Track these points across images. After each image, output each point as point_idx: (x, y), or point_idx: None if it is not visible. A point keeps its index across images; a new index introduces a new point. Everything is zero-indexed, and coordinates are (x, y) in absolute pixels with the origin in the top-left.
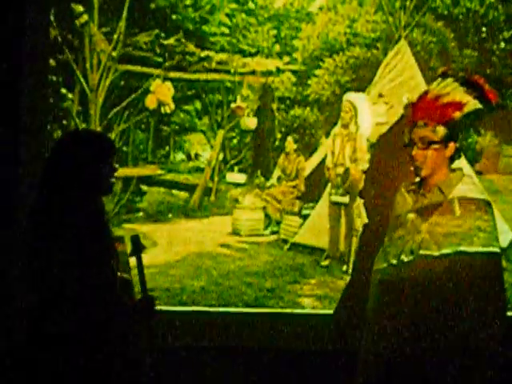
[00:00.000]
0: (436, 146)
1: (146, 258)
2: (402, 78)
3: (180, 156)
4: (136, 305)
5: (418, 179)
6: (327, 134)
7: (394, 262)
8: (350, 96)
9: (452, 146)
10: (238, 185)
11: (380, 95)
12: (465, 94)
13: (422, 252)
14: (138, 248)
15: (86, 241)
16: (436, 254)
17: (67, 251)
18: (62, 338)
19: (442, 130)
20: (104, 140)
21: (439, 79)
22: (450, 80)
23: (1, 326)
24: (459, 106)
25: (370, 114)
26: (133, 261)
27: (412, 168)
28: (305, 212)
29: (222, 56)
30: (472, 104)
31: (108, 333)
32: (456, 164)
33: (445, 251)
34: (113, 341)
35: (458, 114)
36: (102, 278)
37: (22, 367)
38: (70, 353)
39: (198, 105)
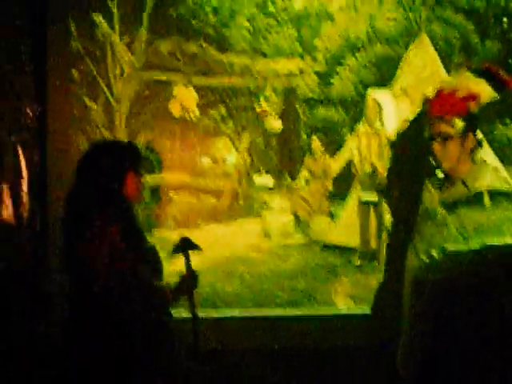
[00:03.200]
0: (455, 140)
1: (177, 265)
2: (424, 72)
3: (207, 161)
4: (181, 278)
5: (441, 174)
6: (352, 132)
7: (425, 258)
8: (374, 93)
9: (471, 137)
10: (265, 187)
11: (403, 90)
12: (479, 84)
13: (450, 247)
14: (187, 246)
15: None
16: (465, 248)
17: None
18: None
19: (459, 123)
20: (130, 148)
21: (454, 72)
22: (465, 72)
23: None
24: (474, 97)
25: (394, 111)
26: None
27: (434, 163)
28: (334, 211)
29: (244, 59)
30: (487, 94)
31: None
32: (479, 156)
33: (473, 245)
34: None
35: (473, 106)
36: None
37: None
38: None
39: (223, 109)
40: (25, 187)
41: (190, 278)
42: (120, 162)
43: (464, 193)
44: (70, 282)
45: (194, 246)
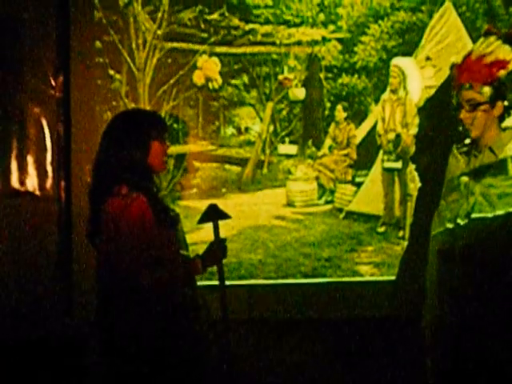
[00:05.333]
0: (483, 107)
1: (202, 233)
2: (448, 39)
3: (230, 130)
4: (210, 247)
5: (469, 140)
6: (376, 101)
7: (450, 226)
8: (398, 61)
9: (500, 105)
10: (289, 156)
11: (427, 58)
12: (508, 51)
13: (475, 215)
14: (215, 214)
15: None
16: (490, 215)
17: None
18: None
19: (488, 91)
20: (155, 117)
21: (482, 38)
22: (492, 38)
23: None
24: (503, 64)
25: (418, 78)
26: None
27: (462, 130)
28: (358, 180)
29: (267, 28)
30: None
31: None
32: (507, 123)
33: (499, 212)
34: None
35: (502, 73)
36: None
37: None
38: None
39: (246, 78)
40: (49, 157)
41: (218, 247)
42: (145, 130)
43: (491, 160)
44: (98, 255)
45: (223, 215)
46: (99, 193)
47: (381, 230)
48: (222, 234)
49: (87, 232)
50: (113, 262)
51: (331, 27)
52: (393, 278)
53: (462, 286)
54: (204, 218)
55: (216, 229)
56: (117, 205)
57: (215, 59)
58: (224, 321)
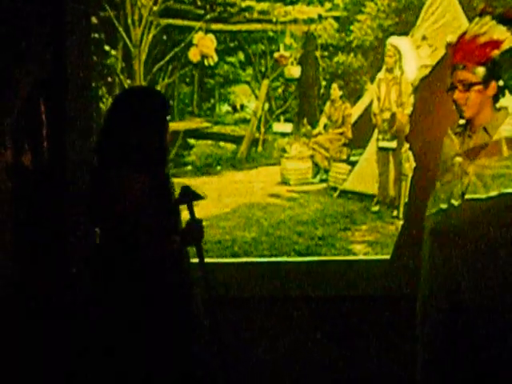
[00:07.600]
0: (477, 88)
1: (196, 210)
2: (445, 19)
3: (225, 108)
4: (187, 228)
5: (463, 121)
6: (372, 80)
7: (444, 206)
8: (394, 40)
9: (494, 85)
10: (284, 134)
11: (424, 38)
12: (502, 31)
13: (469, 196)
14: (189, 197)
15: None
16: (483, 196)
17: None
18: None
19: (481, 71)
20: (164, 97)
21: (477, 18)
22: (487, 18)
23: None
24: (497, 44)
25: (414, 58)
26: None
27: (456, 110)
28: (353, 159)
29: (263, 5)
30: (510, 41)
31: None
32: (501, 103)
33: (492, 193)
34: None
35: (496, 53)
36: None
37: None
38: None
39: (242, 56)
40: (44, 133)
41: (195, 228)
42: (162, 112)
43: (485, 140)
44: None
45: (197, 196)
46: (101, 172)
47: (375, 208)
48: (216, 212)
49: (85, 210)
50: (109, 241)
51: (328, 5)
52: (387, 256)
53: (454, 266)
54: (178, 201)
55: (191, 210)
56: (116, 185)
57: (211, 36)
58: (209, 300)
